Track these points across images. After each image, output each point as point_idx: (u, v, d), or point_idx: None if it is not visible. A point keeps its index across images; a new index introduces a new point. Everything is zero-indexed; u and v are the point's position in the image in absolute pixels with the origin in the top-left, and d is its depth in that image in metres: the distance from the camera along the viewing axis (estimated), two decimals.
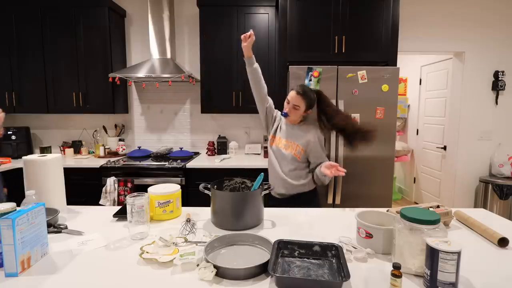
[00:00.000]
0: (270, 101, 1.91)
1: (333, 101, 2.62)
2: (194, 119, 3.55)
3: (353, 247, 1.06)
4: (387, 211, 1.32)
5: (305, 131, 1.82)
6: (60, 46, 3.11)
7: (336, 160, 2.62)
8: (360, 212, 1.17)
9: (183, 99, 3.53)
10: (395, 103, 2.58)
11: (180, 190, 1.44)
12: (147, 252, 1.01)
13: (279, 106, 2.76)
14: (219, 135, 3.56)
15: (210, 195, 1.32)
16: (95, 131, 3.51)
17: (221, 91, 3.18)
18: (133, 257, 1.03)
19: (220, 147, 3.43)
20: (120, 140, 3.43)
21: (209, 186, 1.35)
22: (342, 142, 2.62)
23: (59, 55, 3.12)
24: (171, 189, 1.40)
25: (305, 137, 1.80)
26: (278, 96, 2.87)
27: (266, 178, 1.85)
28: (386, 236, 1.02)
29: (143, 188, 2.76)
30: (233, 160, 3.14)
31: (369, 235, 1.05)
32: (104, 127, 3.50)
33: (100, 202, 2.75)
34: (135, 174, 2.87)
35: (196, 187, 2.82)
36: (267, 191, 1.31)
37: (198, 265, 0.94)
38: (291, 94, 1.79)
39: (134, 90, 3.54)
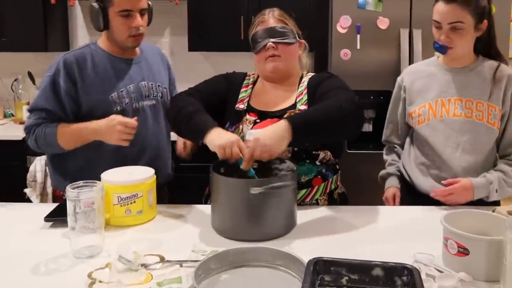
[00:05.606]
0: None
1: (406, 30, 2.37)
2: (177, 60, 3.08)
3: (438, 270, 0.94)
4: (493, 211, 1.18)
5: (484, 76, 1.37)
6: None
7: None
8: (448, 214, 1.03)
9: (159, 29, 3.12)
10: (507, 35, 2.34)
11: (155, 177, 1.28)
12: (100, 282, 0.88)
13: (314, 41, 2.25)
14: None
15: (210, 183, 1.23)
16: (15, 80, 3.12)
17: (221, 15, 2.73)
18: (78, 286, 0.91)
19: None
20: None
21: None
22: None
23: None
24: (140, 175, 1.23)
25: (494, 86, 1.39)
26: (315, 29, 2.49)
27: None
28: (492, 253, 0.89)
29: None
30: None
31: (464, 251, 0.91)
32: (30, 74, 3.07)
33: (26, 193, 2.26)
34: None
35: (181, 173, 2.09)
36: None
37: None
38: (439, 7, 1.30)
39: (80, 14, 3.16)
